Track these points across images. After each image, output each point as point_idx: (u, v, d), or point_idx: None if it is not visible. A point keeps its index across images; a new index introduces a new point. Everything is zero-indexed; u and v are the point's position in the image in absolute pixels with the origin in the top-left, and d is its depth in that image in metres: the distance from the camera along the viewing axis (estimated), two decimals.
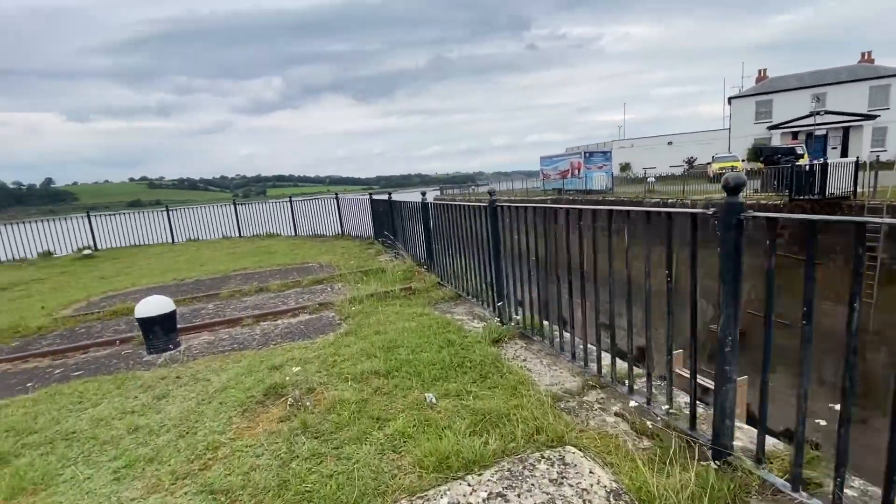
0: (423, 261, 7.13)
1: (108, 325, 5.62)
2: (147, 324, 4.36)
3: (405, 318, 4.69)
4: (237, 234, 15.68)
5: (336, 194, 13.72)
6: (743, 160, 32.09)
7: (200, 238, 15.62)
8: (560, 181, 30.38)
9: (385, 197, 9.94)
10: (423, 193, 6.91)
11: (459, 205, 5.21)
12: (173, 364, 4.04)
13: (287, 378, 3.31)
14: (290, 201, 14.94)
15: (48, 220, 14.68)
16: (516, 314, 4.22)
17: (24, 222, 14.25)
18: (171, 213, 15.54)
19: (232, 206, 15.81)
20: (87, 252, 12.72)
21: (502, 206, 4.17)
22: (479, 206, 4.52)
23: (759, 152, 30.87)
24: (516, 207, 3.92)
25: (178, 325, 4.77)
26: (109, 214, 15.58)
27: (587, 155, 28.60)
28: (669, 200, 20.31)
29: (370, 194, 11.42)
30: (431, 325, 4.39)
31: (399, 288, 5.86)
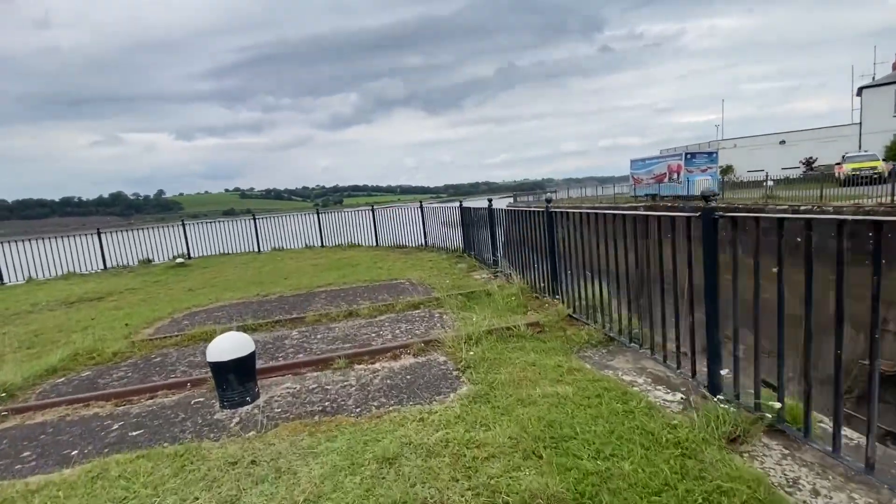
0: (542, 284, 5.74)
1: (184, 354, 4.86)
2: (221, 370, 3.41)
3: (551, 376, 3.33)
4: (319, 244, 15.35)
5: (420, 202, 12.77)
6: (883, 160, 26.92)
7: (284, 247, 15.49)
8: (654, 186, 27.43)
9: (479, 204, 8.72)
10: (549, 201, 5.53)
11: (625, 214, 3.76)
12: (249, 432, 3.01)
13: (409, 491, 2.09)
14: (373, 210, 14.27)
15: (155, 228, 15.33)
16: (736, 389, 2.68)
17: (139, 229, 15.04)
18: (257, 221, 15.59)
19: (315, 216, 15.54)
20: (179, 261, 12.91)
21: (730, 216, 2.66)
22: (682, 215, 3.04)
23: None
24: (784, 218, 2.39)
25: (259, 364, 3.81)
26: (204, 222, 16.02)
27: (688, 156, 25.49)
28: (802, 207, 17.06)
29: (460, 202, 10.27)
30: (599, 392, 2.98)
31: (523, 323, 4.50)
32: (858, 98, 35.27)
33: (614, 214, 3.91)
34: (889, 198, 14.13)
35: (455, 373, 3.67)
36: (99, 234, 13.94)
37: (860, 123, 34.87)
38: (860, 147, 32.78)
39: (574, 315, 4.81)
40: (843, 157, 27.15)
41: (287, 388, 3.73)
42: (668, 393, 3.03)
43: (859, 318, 2.13)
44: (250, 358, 3.53)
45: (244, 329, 5.38)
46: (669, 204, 24.02)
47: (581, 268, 4.64)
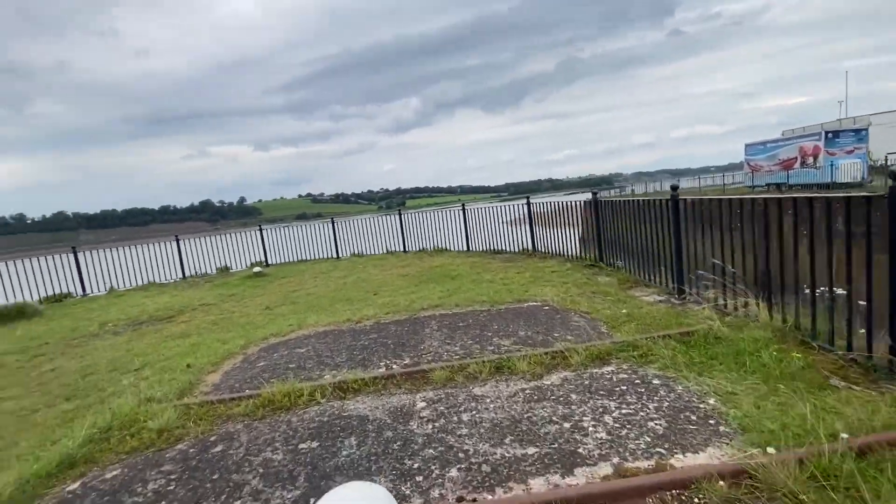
0: (832, 325, 3.32)
1: (257, 441, 3.07)
2: None
3: None
4: (401, 248, 13.70)
5: (528, 197, 10.58)
6: None
7: (364, 252, 14.03)
8: (780, 174, 23.06)
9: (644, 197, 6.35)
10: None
11: None
12: None
13: None
14: (464, 208, 12.30)
15: (236, 233, 14.58)
16: None
17: (223, 234, 14.43)
18: (335, 224, 14.27)
19: (394, 217, 13.91)
20: (257, 270, 11.78)
21: None
22: None
23: None
24: None
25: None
26: (280, 227, 15.01)
27: (829, 136, 20.98)
28: None
29: (593, 192, 7.95)
30: None
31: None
32: None
33: None
34: None
35: None
36: (177, 241, 13.27)
37: None
38: None
39: None
40: None
41: None
42: None
43: None
44: None
45: (343, 390, 3.53)
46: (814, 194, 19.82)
47: None
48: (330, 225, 14.38)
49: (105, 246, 14.92)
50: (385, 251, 13.82)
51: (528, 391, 3.25)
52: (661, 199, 5.69)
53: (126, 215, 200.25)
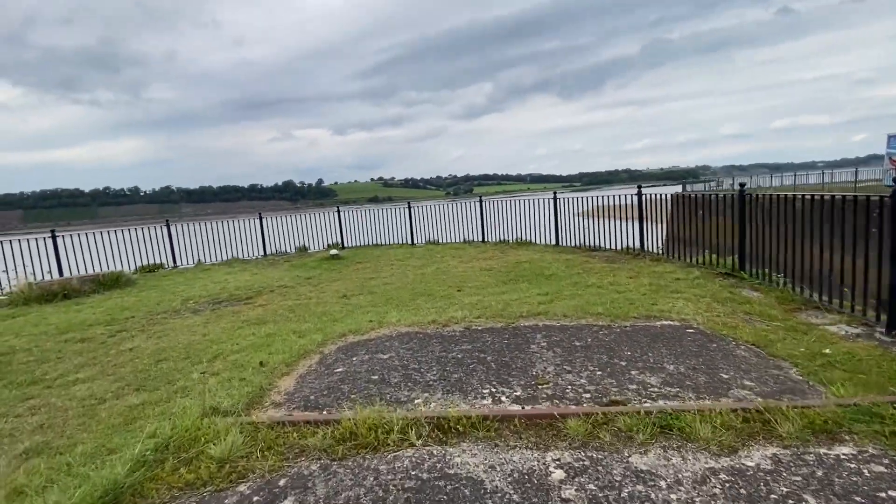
0: None
1: (333, 501, 2.32)
2: None
3: None
4: (479, 238, 12.78)
5: (639, 186, 9.12)
6: None
7: (439, 240, 13.30)
8: None
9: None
10: None
11: None
12: None
13: None
14: (555, 198, 11.07)
15: (315, 213, 14.58)
16: None
17: (303, 213, 14.58)
18: (411, 209, 13.66)
19: (475, 204, 12.98)
20: (334, 252, 11.49)
21: None
22: None
23: None
24: None
25: None
26: (356, 209, 14.73)
27: None
28: None
29: (741, 184, 6.43)
30: None
31: None
32: None
33: None
34: None
35: None
36: (260, 218, 13.39)
37: None
38: None
39: None
40: None
41: None
42: None
43: None
44: None
45: (443, 430, 2.69)
46: None
47: None
48: (405, 209, 13.81)
49: (202, 219, 15.62)
50: (462, 240, 12.98)
51: (723, 477, 2.17)
52: (865, 196, 4.19)
53: (220, 191, 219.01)
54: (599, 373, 3.49)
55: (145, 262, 11.72)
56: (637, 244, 8.92)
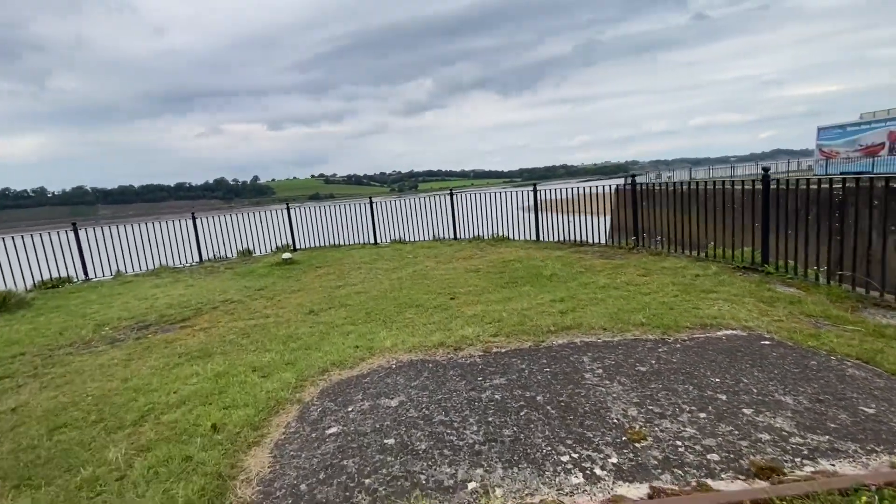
0: None
1: None
2: None
3: None
4: (451, 236, 11.76)
5: (633, 176, 8.47)
6: None
7: (405, 238, 12.12)
8: (862, 161, 20.48)
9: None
10: None
11: None
12: None
13: None
14: (535, 190, 10.23)
15: (253, 212, 12.84)
16: None
17: (238, 213, 12.76)
18: (373, 206, 12.35)
19: (446, 198, 11.91)
20: (286, 256, 9.95)
21: None
22: None
23: None
24: None
25: None
26: (307, 206, 13.12)
27: None
28: None
29: (765, 169, 5.86)
30: None
31: None
32: None
33: None
34: None
35: None
36: (193, 219, 11.48)
37: None
38: None
39: None
40: None
41: None
42: None
43: None
44: None
45: None
46: None
47: None
48: (366, 206, 12.47)
49: (122, 221, 13.27)
50: (431, 238, 11.89)
51: None
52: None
53: (143, 191, 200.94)
54: (703, 415, 2.60)
55: (48, 276, 9.55)
56: (614, 237, 8.30)
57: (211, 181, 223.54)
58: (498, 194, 11.33)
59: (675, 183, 7.49)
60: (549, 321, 4.38)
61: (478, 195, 11.64)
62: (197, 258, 11.42)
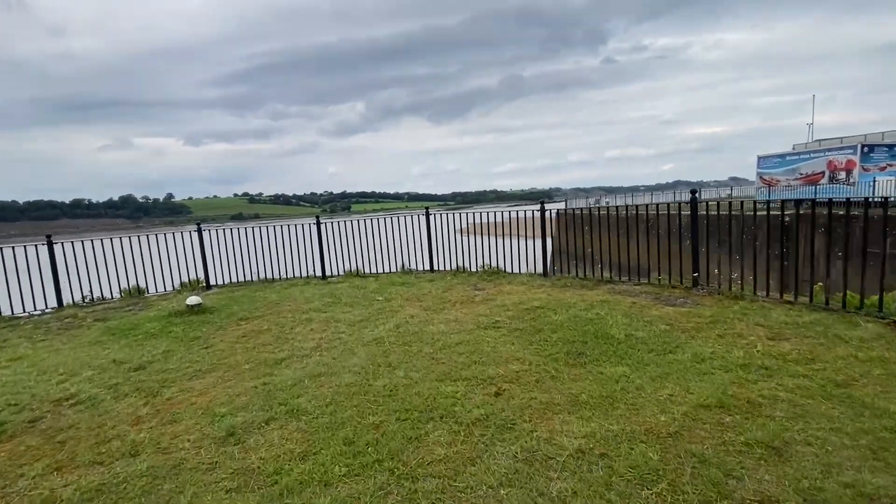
0: None
1: None
2: None
3: None
4: (425, 266, 9.17)
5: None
6: None
7: (363, 270, 9.29)
8: (801, 189, 21.08)
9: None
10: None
11: None
12: None
13: None
14: (542, 209, 8.00)
15: (163, 234, 9.35)
16: None
17: (146, 233, 9.16)
18: (321, 227, 9.43)
19: (415, 218, 9.32)
20: (193, 300, 6.70)
21: None
22: None
23: None
24: None
25: None
26: (222, 227, 9.79)
27: (865, 150, 19.16)
28: None
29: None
30: None
31: None
32: None
33: None
34: None
35: None
36: (50, 244, 7.82)
37: None
38: None
39: None
40: None
41: None
42: None
43: None
44: None
45: None
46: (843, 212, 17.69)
47: None
48: (309, 227, 9.49)
49: None
50: (399, 269, 9.21)
51: None
52: None
53: (28, 208, 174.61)
54: None
55: None
56: (555, 263, 6.28)
57: (116, 198, 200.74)
58: (503, 213, 8.99)
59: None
60: (740, 492, 1.98)
61: (459, 216, 9.22)
62: (54, 302, 7.75)
